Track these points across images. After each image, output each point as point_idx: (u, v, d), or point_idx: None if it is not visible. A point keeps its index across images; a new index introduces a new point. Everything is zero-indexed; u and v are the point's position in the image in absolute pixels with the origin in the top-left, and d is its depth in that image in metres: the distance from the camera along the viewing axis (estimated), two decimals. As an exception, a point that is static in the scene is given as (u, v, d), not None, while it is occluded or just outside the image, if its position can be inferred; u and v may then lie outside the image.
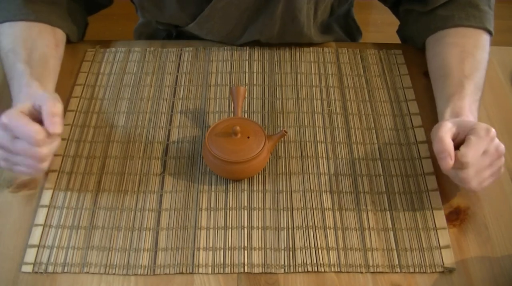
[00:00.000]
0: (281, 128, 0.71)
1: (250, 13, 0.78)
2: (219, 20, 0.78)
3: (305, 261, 0.60)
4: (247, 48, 0.83)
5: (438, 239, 0.62)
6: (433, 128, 0.62)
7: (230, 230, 0.62)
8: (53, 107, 0.57)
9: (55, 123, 0.57)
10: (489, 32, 0.75)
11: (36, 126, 0.56)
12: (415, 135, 0.72)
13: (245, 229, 0.62)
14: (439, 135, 0.59)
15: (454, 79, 0.69)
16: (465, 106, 0.65)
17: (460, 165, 0.58)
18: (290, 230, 0.62)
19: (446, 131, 0.59)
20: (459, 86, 0.68)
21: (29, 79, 0.65)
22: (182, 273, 0.59)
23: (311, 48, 0.83)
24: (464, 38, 0.73)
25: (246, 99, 0.76)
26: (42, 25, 0.73)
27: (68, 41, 0.80)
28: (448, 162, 0.57)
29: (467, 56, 0.71)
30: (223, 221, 0.63)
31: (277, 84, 0.78)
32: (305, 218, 0.63)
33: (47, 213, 0.63)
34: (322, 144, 0.70)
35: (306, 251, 0.60)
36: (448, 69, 0.70)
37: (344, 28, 0.95)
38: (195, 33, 0.84)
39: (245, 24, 0.80)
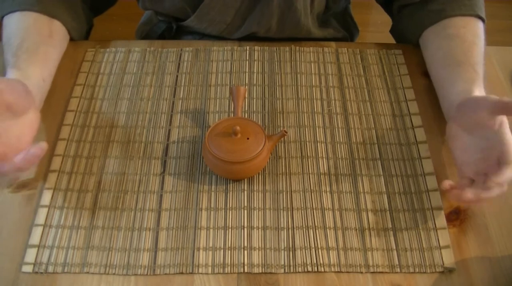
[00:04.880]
0: (281, 128, 0.71)
1: (248, 2, 0.79)
2: (218, 11, 0.80)
3: (305, 261, 0.60)
4: (247, 48, 0.83)
5: (438, 239, 0.62)
6: (481, 104, 0.59)
7: (230, 230, 0.62)
8: None
9: None
10: (482, 19, 0.76)
11: None
12: (415, 135, 0.72)
13: (245, 229, 0.62)
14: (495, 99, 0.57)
15: (467, 66, 0.69)
16: (482, 91, 0.65)
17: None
18: (290, 230, 0.62)
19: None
20: (474, 72, 0.68)
21: (9, 69, 0.65)
22: (182, 273, 0.59)
23: (311, 48, 0.83)
24: (463, 29, 0.74)
25: (246, 99, 0.76)
26: (38, 15, 0.73)
27: (71, 39, 0.80)
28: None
29: (471, 45, 0.72)
30: (223, 221, 0.63)
31: (277, 84, 0.78)
32: (305, 218, 0.63)
33: (47, 213, 0.63)
34: (322, 144, 0.70)
35: (306, 251, 0.60)
36: (457, 58, 0.71)
37: (341, 24, 0.96)
38: (194, 26, 0.84)
39: (243, 14, 0.81)
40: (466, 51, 0.71)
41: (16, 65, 0.66)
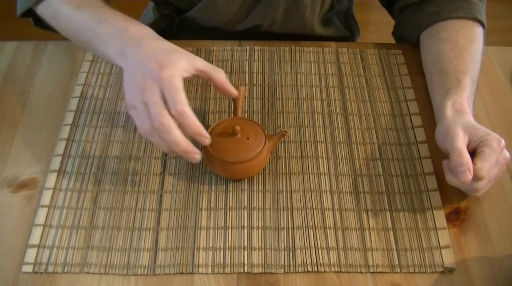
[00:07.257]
0: (281, 128, 0.71)
1: None
2: (224, 1, 0.79)
3: (305, 261, 0.60)
4: (247, 48, 0.83)
5: (438, 239, 0.62)
6: (445, 135, 0.62)
7: (230, 230, 0.62)
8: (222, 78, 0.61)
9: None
10: (481, 23, 0.76)
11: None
12: (415, 135, 0.72)
13: (245, 229, 0.62)
14: (458, 148, 0.59)
15: (451, 75, 0.69)
16: (463, 101, 0.66)
17: (475, 178, 0.58)
18: (290, 230, 0.62)
19: (463, 143, 0.60)
20: (456, 81, 0.68)
21: (120, 29, 0.62)
22: (182, 273, 0.59)
23: (311, 48, 0.83)
24: (457, 33, 0.74)
25: (246, 99, 0.76)
26: None
27: None
28: (467, 176, 0.57)
29: (461, 50, 0.71)
30: (223, 221, 0.63)
31: (277, 84, 0.78)
32: (305, 218, 0.63)
33: (47, 213, 0.63)
34: (322, 144, 0.70)
35: (306, 251, 0.60)
36: (444, 65, 0.71)
37: (344, 23, 0.96)
38: (199, 17, 0.83)
39: (249, 5, 0.81)
40: (453, 57, 0.71)
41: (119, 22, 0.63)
